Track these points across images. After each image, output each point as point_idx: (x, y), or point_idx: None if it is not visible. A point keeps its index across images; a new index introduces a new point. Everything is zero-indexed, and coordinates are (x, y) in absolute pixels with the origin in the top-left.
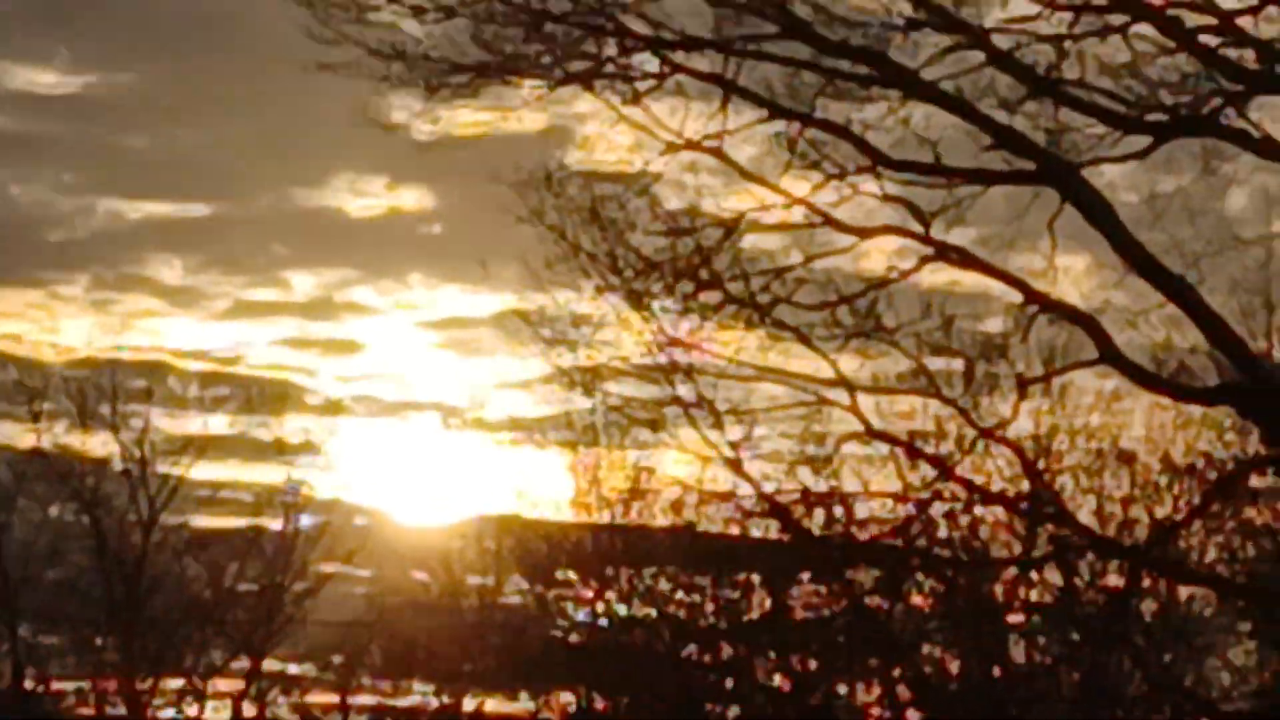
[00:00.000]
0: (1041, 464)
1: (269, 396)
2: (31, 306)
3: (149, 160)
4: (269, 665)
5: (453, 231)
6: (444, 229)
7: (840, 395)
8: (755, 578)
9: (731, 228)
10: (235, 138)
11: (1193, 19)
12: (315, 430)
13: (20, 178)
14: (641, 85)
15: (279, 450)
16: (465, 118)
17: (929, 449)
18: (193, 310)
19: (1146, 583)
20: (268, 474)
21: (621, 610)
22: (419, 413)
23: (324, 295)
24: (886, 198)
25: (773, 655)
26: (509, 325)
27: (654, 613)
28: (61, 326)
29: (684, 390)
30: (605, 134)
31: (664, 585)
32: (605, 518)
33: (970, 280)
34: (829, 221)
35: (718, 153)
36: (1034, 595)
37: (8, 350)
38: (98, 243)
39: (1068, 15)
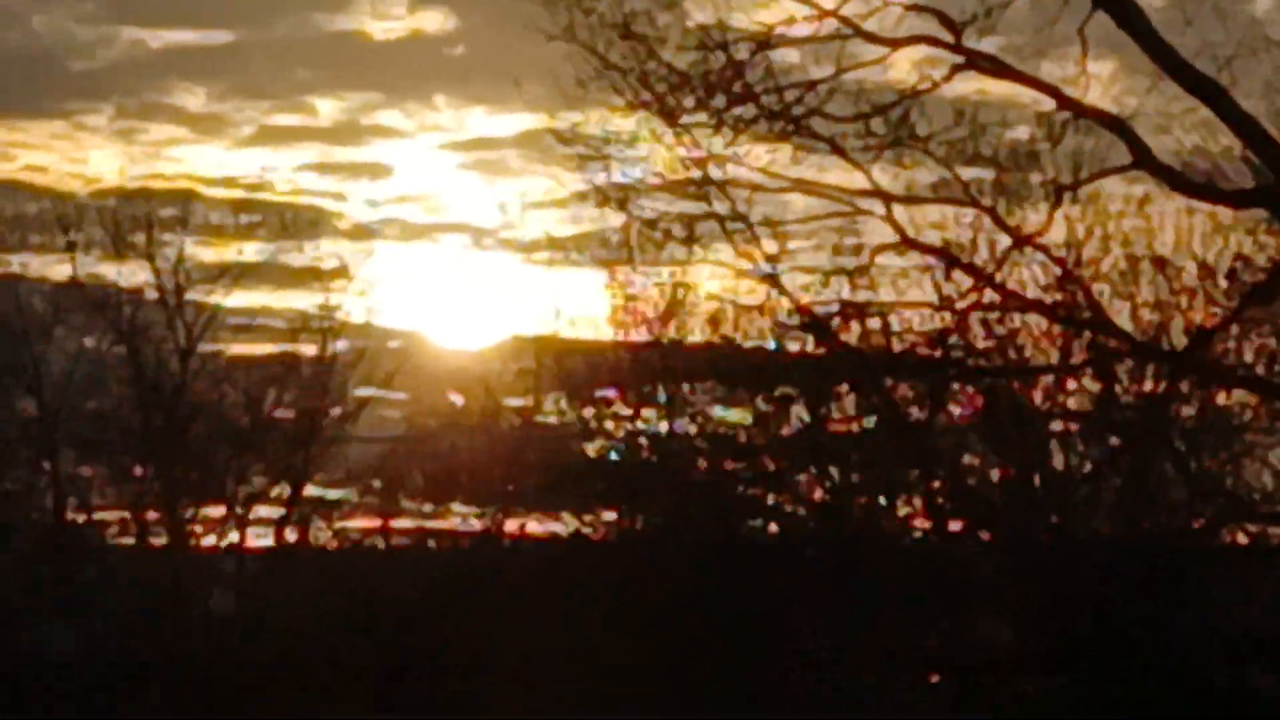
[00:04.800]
0: (1076, 271)
1: (299, 222)
2: (56, 137)
3: None
4: (309, 491)
5: (476, 53)
6: (467, 50)
7: (875, 205)
8: (793, 392)
9: (762, 41)
10: None
11: None
12: (346, 255)
13: (40, 8)
14: None
15: (311, 276)
16: None
17: (964, 259)
18: (218, 138)
19: (1185, 387)
20: (301, 300)
21: (661, 427)
22: (449, 235)
23: (349, 119)
24: (915, 8)
25: (812, 470)
26: (537, 144)
27: (693, 429)
28: (87, 157)
29: (718, 205)
30: None
31: (702, 401)
32: (642, 335)
33: (1000, 90)
34: (859, 33)
35: None
36: (1073, 402)
37: (34, 182)
38: (120, 72)
39: None
